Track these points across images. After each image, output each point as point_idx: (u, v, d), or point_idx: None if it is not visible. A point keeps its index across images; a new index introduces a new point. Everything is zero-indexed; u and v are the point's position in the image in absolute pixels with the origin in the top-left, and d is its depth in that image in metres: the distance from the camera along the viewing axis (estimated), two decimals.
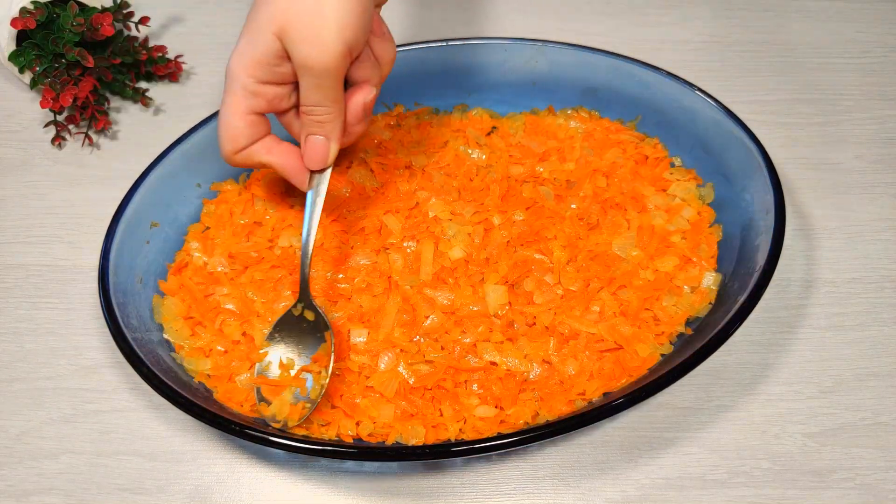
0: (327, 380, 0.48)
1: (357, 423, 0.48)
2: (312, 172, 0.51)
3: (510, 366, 0.50)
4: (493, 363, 0.50)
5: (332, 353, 0.48)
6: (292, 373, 0.49)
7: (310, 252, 0.50)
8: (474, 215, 0.57)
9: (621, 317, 0.52)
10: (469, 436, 0.47)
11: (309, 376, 0.49)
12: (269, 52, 0.45)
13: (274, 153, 0.50)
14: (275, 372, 0.49)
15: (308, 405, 0.47)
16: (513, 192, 0.59)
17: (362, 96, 0.49)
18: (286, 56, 0.46)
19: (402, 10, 0.77)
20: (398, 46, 0.63)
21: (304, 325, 0.50)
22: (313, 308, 0.50)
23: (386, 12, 0.77)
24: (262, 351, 0.50)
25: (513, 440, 0.44)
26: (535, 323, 0.52)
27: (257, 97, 0.48)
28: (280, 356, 0.49)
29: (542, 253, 0.55)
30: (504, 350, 0.51)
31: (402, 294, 0.53)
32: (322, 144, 0.49)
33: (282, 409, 0.48)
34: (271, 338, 0.50)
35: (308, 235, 0.50)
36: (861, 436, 0.50)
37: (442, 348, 0.51)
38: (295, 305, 0.50)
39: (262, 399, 0.48)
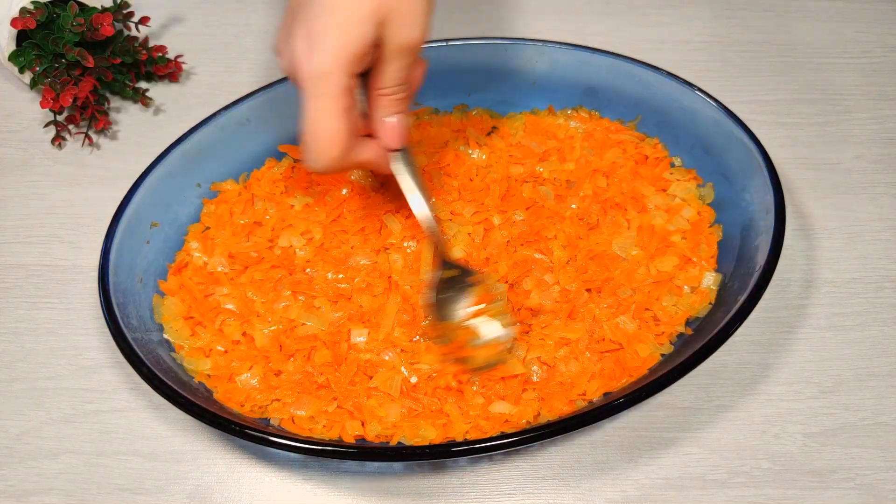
0: (504, 302, 0.51)
1: (363, 424, 0.48)
2: (394, 152, 0.51)
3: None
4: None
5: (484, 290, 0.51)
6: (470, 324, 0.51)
7: (433, 221, 0.52)
8: (474, 215, 0.57)
9: (621, 317, 0.52)
10: (472, 435, 0.47)
11: (484, 319, 0.51)
12: (368, 44, 0.45)
13: (368, 148, 0.49)
14: (455, 332, 0.51)
15: (506, 337, 0.50)
16: (513, 192, 0.59)
17: (420, 69, 0.50)
18: (376, 44, 0.46)
19: None
20: None
21: (452, 286, 0.52)
22: (452, 266, 0.52)
23: None
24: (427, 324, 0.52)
25: (514, 440, 0.44)
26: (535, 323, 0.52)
27: (350, 93, 0.46)
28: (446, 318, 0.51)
29: (542, 253, 0.55)
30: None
31: (402, 294, 0.53)
32: (403, 121, 0.49)
33: (486, 354, 0.49)
34: (433, 314, 0.51)
35: (425, 207, 0.51)
36: (861, 436, 0.50)
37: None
38: (436, 273, 0.52)
39: (460, 361, 0.50)
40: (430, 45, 0.63)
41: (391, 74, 0.47)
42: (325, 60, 0.44)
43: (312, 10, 0.45)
